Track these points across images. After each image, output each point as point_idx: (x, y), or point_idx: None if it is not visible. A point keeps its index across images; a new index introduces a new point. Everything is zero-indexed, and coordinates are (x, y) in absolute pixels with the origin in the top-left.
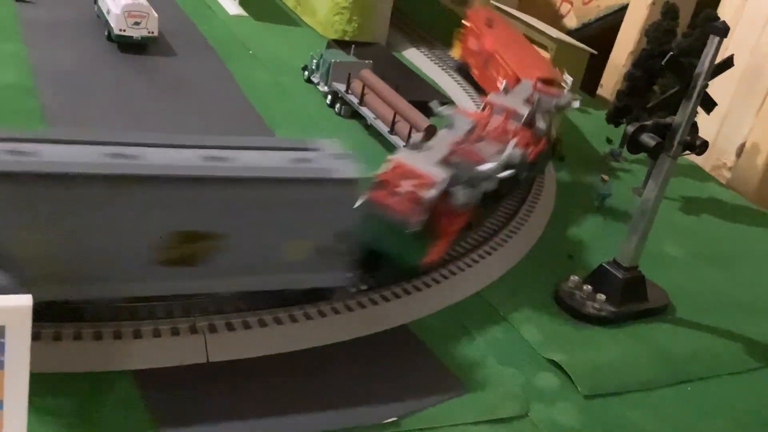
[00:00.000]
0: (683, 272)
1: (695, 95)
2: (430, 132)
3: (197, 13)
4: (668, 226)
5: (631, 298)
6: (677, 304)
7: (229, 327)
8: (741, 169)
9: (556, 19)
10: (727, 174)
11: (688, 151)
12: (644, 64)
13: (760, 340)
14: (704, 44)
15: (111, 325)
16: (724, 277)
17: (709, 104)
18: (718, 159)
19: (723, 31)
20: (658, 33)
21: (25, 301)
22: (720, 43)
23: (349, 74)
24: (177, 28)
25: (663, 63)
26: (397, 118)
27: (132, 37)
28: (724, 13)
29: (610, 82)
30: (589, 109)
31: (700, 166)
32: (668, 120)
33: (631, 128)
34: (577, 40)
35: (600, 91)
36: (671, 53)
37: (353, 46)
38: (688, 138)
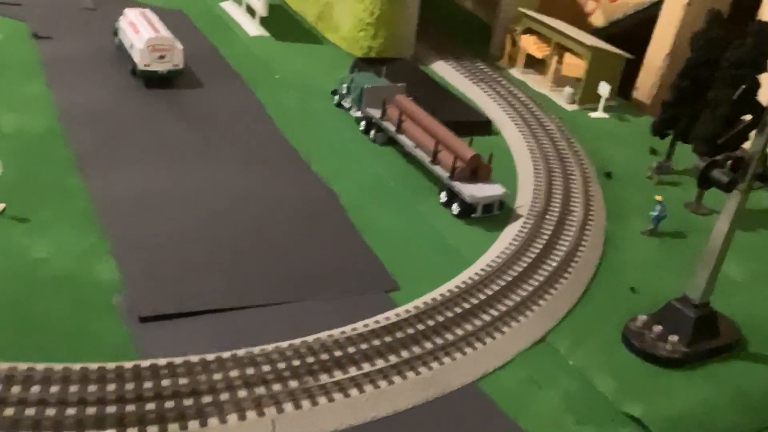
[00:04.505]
0: (748, 297)
1: None
2: (474, 162)
3: (218, 35)
4: None
5: (703, 336)
6: (748, 336)
7: (296, 405)
8: None
9: (581, 18)
10: None
11: (760, 183)
12: (691, 74)
13: None
14: (758, 55)
15: (176, 414)
16: None
17: None
18: None
19: None
20: (703, 41)
21: None
22: None
23: (384, 100)
24: (200, 55)
25: (735, 97)
26: (440, 147)
27: (157, 72)
28: (765, 16)
29: (646, 84)
30: (626, 116)
31: None
32: (739, 153)
33: (701, 164)
34: (604, 38)
35: (636, 94)
36: (744, 86)
37: (384, 67)
38: (760, 170)
